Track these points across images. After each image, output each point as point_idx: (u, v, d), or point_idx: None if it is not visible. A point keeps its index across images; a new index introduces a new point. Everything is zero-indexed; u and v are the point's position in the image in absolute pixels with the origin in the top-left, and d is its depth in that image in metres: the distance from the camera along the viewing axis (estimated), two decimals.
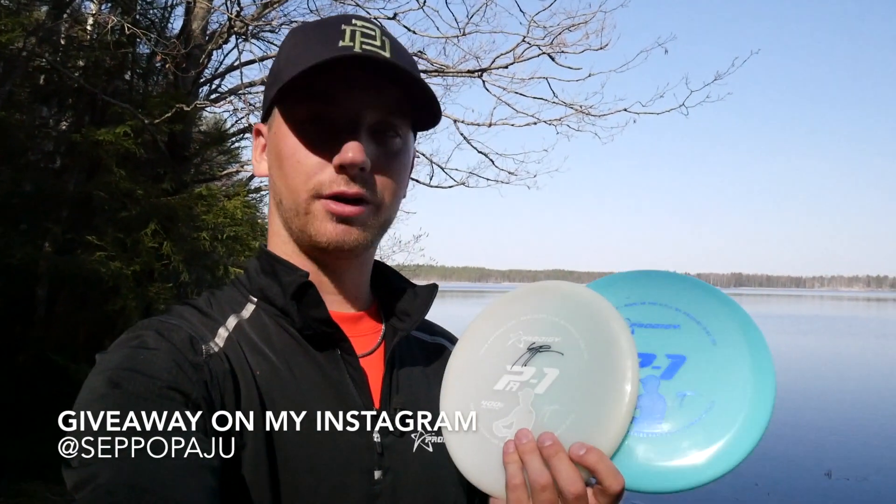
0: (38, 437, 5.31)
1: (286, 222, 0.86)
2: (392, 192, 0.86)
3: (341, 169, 0.80)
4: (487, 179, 8.52)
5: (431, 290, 0.94)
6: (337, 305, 0.89)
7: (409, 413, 0.85)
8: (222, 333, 0.80)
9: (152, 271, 6.01)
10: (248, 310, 0.85)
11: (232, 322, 0.82)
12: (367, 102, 0.81)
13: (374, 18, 0.88)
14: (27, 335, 5.99)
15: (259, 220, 8.53)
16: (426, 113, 0.87)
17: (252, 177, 8.33)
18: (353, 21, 0.83)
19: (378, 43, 0.81)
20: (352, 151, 0.78)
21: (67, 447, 0.61)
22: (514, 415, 0.77)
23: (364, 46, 0.79)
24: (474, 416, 0.79)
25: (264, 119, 0.90)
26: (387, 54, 0.80)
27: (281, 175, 0.84)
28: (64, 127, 6.92)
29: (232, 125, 8.56)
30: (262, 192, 8.44)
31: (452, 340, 1.05)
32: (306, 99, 0.81)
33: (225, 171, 8.15)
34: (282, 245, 0.88)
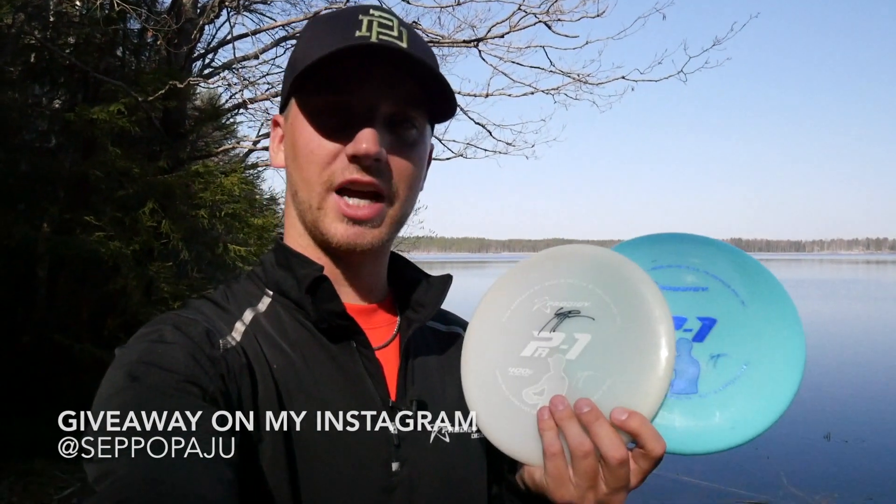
0: (44, 417, 5.37)
1: (301, 215, 0.86)
2: (408, 184, 0.85)
3: (354, 159, 0.79)
4: (485, 150, 8.46)
5: (446, 281, 0.93)
6: (352, 298, 0.89)
7: (425, 404, 0.85)
8: (239, 327, 0.80)
9: (152, 250, 6.00)
10: (264, 303, 0.85)
11: (248, 316, 0.82)
12: (383, 93, 0.81)
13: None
14: (29, 316, 6.02)
15: (257, 197, 8.50)
16: (442, 105, 0.86)
17: (249, 152, 8.29)
18: (371, 11, 0.82)
19: (395, 34, 0.81)
20: (366, 142, 0.78)
21: (88, 441, 0.62)
22: (545, 381, 0.76)
23: (381, 37, 0.79)
24: (503, 385, 0.78)
25: (282, 110, 0.90)
26: (404, 45, 0.80)
27: (296, 166, 0.84)
28: (57, 105, 6.85)
29: (227, 100, 8.49)
30: (260, 168, 8.40)
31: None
32: (322, 89, 0.81)
33: (221, 148, 8.09)
34: (297, 237, 0.88)
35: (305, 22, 6.93)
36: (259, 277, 0.89)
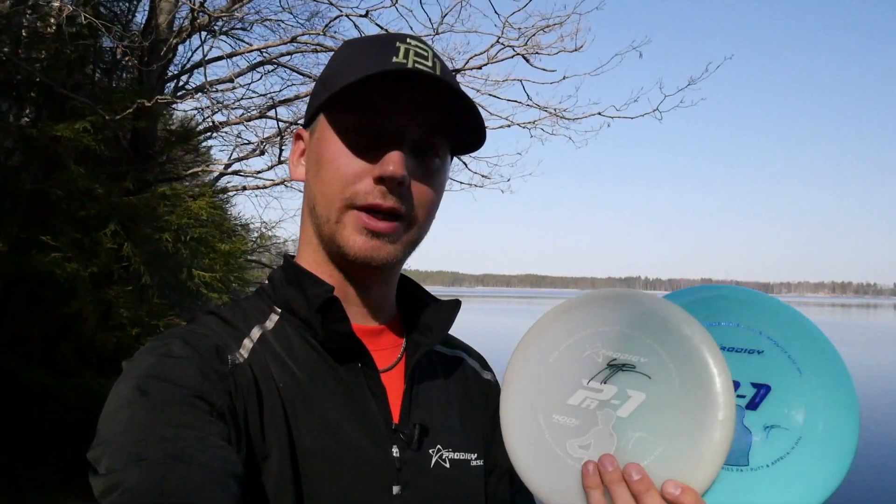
0: None
1: (317, 229, 0.86)
2: (426, 210, 0.86)
3: (380, 181, 0.80)
4: (461, 183, 8.49)
5: (455, 306, 0.94)
6: (360, 318, 0.90)
7: (427, 428, 0.86)
8: (247, 344, 0.81)
9: (111, 273, 5.80)
10: (272, 320, 0.86)
11: (256, 333, 0.83)
12: (413, 118, 0.82)
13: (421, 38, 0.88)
14: None
15: (226, 222, 8.32)
16: (470, 135, 0.87)
17: (219, 176, 8.14)
18: (408, 40, 0.85)
19: (430, 63, 0.83)
20: (393, 165, 0.79)
21: (94, 454, 0.62)
22: (592, 435, 0.72)
23: (416, 65, 0.81)
24: (546, 432, 0.75)
25: (307, 125, 0.91)
26: (438, 74, 0.82)
27: (318, 181, 0.84)
28: (25, 122, 6.65)
29: (200, 123, 8.35)
30: (230, 193, 8.24)
31: (471, 353, 1.06)
32: (355, 109, 0.82)
33: (190, 171, 7.91)
34: (312, 253, 0.89)
35: (283, 47, 6.89)
36: (268, 294, 0.90)
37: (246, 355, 0.79)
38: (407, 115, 0.82)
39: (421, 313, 0.94)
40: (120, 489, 0.57)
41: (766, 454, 0.71)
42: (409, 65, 0.80)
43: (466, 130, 0.86)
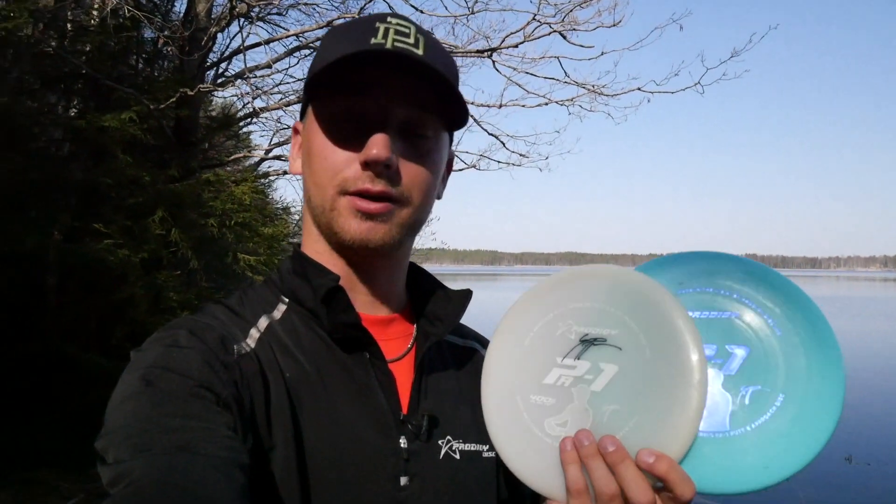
0: (48, 426, 5.32)
1: (315, 219, 0.86)
2: (422, 190, 0.84)
3: (366, 165, 0.80)
4: (499, 162, 8.42)
5: (465, 296, 0.93)
6: (368, 307, 0.89)
7: (437, 419, 0.85)
8: (254, 334, 0.81)
9: (160, 259, 5.98)
10: (280, 310, 0.86)
11: (263, 323, 0.83)
12: (397, 99, 0.81)
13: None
14: (37, 324, 5.99)
15: (268, 206, 8.47)
16: (456, 112, 0.85)
17: (260, 161, 8.28)
18: (388, 19, 0.83)
19: (411, 41, 0.81)
20: (376, 148, 0.78)
21: (102, 444, 0.63)
22: (568, 412, 0.72)
23: (396, 44, 0.80)
24: (525, 412, 0.75)
25: (302, 117, 0.91)
26: (420, 52, 0.80)
27: (310, 172, 0.85)
28: (73, 113, 6.86)
29: (239, 110, 8.49)
30: (271, 178, 8.38)
31: (484, 343, 1.03)
32: (336, 95, 0.82)
33: (232, 157, 8.07)
34: (314, 244, 0.89)
35: (319, 31, 6.93)
36: (275, 284, 0.90)
37: (253, 345, 0.79)
38: (389, 97, 0.81)
39: (431, 303, 0.93)
40: (126, 480, 0.58)
41: (747, 417, 0.70)
42: (388, 45, 0.79)
43: (454, 106, 0.85)
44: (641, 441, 0.67)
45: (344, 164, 0.81)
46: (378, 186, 0.80)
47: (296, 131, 0.93)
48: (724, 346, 0.74)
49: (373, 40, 0.80)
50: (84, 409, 5.26)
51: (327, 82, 0.80)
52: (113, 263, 5.52)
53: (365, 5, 6.85)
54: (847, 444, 7.71)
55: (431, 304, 0.93)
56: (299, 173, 0.90)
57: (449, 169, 0.95)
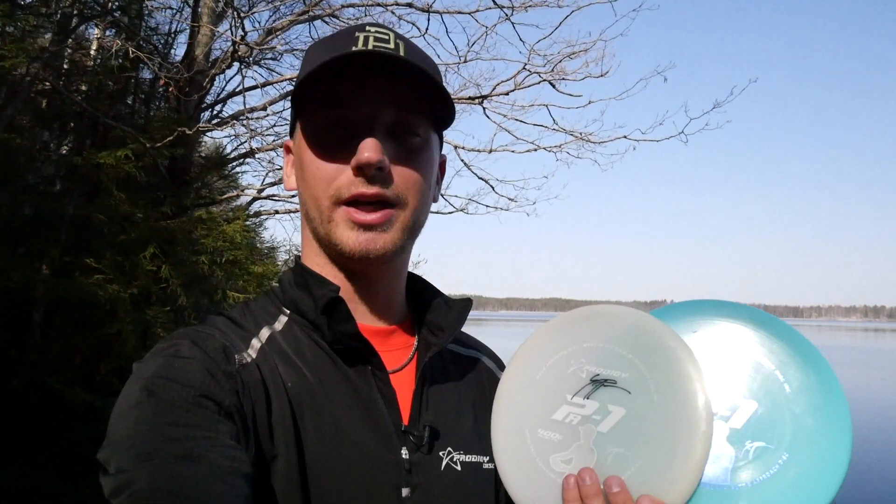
0: (32, 463, 5.22)
1: (314, 232, 0.86)
2: (417, 191, 0.84)
3: (359, 170, 0.79)
4: (487, 206, 8.52)
5: (466, 305, 0.92)
6: (369, 318, 0.89)
7: (438, 431, 0.84)
8: (255, 345, 0.80)
9: (150, 294, 5.96)
10: (281, 322, 0.85)
11: (265, 334, 0.82)
12: (382, 101, 0.81)
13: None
14: (22, 359, 5.92)
15: (258, 245, 8.50)
16: (444, 111, 0.86)
17: (252, 201, 8.34)
18: (367, 28, 0.84)
19: (391, 46, 0.82)
20: (367, 151, 0.78)
21: (104, 454, 0.63)
22: (573, 450, 0.73)
23: (376, 48, 0.80)
24: (532, 446, 0.76)
25: (291, 134, 0.91)
26: (401, 54, 0.81)
27: (305, 185, 0.84)
28: (65, 150, 6.93)
29: (232, 150, 8.60)
30: (262, 217, 8.44)
31: (486, 353, 1.03)
32: (321, 106, 0.82)
33: (224, 196, 8.13)
34: (314, 256, 0.88)
35: None
36: (277, 296, 0.89)
37: (254, 355, 0.78)
38: (373, 100, 0.80)
39: (431, 313, 0.92)
40: (129, 489, 0.58)
41: (750, 473, 0.69)
42: (370, 48, 0.79)
43: (440, 105, 0.84)
44: (643, 486, 0.67)
45: (336, 173, 0.80)
46: (372, 189, 0.79)
47: (287, 149, 0.93)
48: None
49: (353, 48, 0.80)
50: (68, 444, 5.17)
51: (312, 94, 0.80)
52: (102, 298, 5.50)
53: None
54: None
55: (432, 313, 0.92)
56: (294, 189, 0.90)
57: (442, 172, 0.95)
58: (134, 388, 0.67)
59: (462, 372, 0.95)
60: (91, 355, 6.12)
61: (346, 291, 0.85)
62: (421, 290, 0.96)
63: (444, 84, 0.86)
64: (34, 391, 5.64)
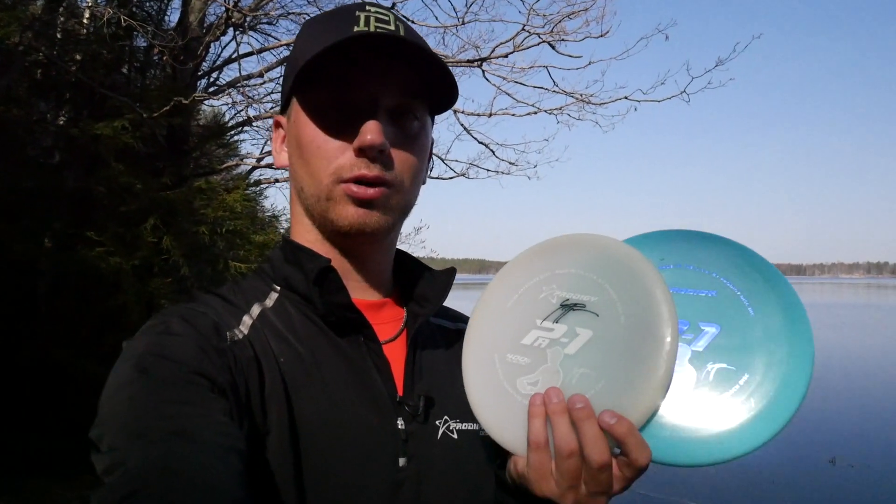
0: (40, 433, 5.32)
1: (308, 209, 0.86)
2: (412, 174, 0.86)
3: (361, 152, 0.80)
4: (488, 170, 8.49)
5: (449, 274, 0.94)
6: (360, 292, 0.89)
7: (433, 400, 0.85)
8: (246, 321, 0.80)
9: (152, 266, 5.99)
10: (272, 298, 0.86)
11: (256, 310, 0.83)
12: (385, 85, 0.82)
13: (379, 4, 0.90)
14: (29, 331, 5.98)
15: (259, 214, 8.49)
16: (442, 94, 0.87)
17: (252, 169, 8.31)
18: (367, 7, 0.84)
19: (392, 27, 0.82)
20: (370, 133, 0.79)
21: (97, 433, 0.62)
22: (540, 372, 0.74)
23: (378, 30, 0.80)
24: (500, 371, 0.77)
25: (283, 110, 0.91)
26: (401, 35, 0.81)
27: (302, 163, 0.84)
28: (62, 122, 6.88)
29: (231, 118, 8.53)
30: (262, 186, 8.41)
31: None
32: (324, 85, 0.82)
33: (224, 165, 8.09)
34: (305, 233, 0.89)
35: None
36: (267, 273, 0.90)
37: (246, 331, 0.78)
38: (377, 83, 0.81)
39: (417, 285, 0.94)
40: (122, 467, 0.57)
41: (710, 392, 0.72)
42: (372, 30, 0.80)
43: (439, 89, 0.85)
44: (606, 403, 0.68)
45: (338, 153, 0.81)
46: (374, 172, 0.80)
47: (277, 125, 0.93)
48: (696, 323, 0.75)
49: (355, 28, 0.80)
50: (76, 415, 5.26)
51: (313, 73, 0.80)
52: (105, 271, 5.54)
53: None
54: (831, 446, 7.83)
55: (419, 286, 0.93)
56: (286, 166, 0.91)
57: (430, 154, 0.96)
58: (125, 365, 0.67)
59: (451, 343, 0.96)
60: (97, 327, 6.17)
61: (337, 265, 0.85)
62: (407, 265, 0.97)
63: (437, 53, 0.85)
64: (42, 363, 5.71)
